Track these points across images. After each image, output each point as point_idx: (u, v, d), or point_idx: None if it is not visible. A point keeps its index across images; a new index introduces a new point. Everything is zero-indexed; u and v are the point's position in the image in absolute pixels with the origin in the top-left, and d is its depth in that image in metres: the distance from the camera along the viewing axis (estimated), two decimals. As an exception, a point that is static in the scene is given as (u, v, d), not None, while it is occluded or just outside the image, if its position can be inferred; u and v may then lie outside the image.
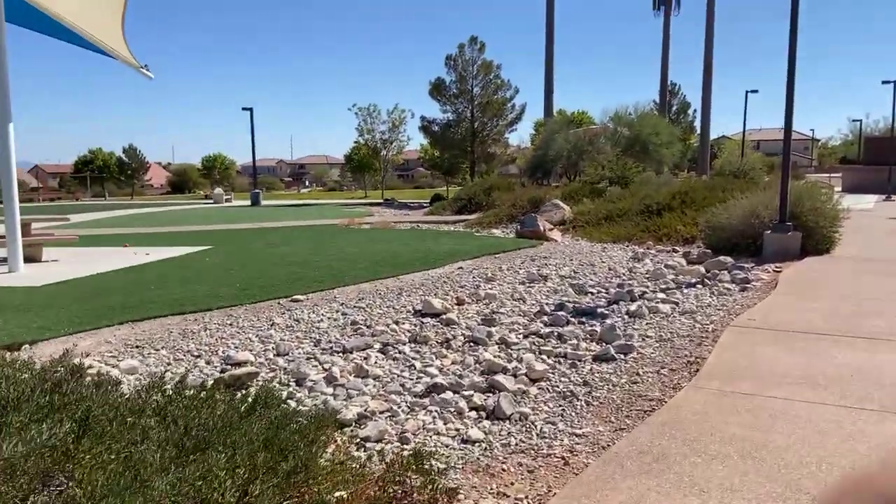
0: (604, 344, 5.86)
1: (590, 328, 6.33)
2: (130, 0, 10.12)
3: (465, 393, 4.52)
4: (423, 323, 6.35)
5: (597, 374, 4.97)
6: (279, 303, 6.98)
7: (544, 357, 5.47)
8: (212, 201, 36.10)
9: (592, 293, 8.35)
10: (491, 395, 4.53)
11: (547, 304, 7.57)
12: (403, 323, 6.31)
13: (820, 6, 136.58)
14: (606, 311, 7.20)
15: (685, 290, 8.31)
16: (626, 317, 6.91)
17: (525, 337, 6.15)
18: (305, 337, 5.72)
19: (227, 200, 35.76)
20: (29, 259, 9.90)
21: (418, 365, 5.08)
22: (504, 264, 10.20)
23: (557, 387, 4.73)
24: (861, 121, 59.39)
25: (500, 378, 4.69)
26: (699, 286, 8.57)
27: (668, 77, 42.74)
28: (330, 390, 4.48)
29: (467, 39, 34.39)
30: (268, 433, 2.89)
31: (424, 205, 29.31)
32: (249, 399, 3.54)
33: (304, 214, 25.24)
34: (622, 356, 5.42)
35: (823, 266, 9.30)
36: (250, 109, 33.78)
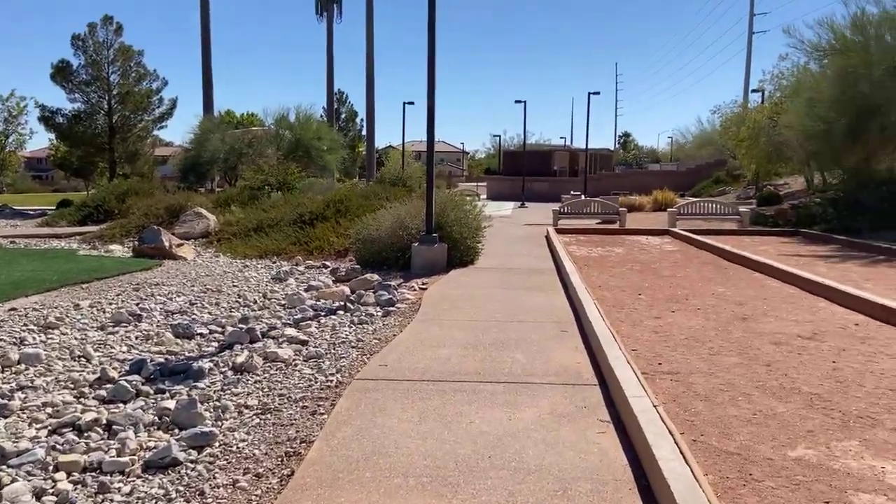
0: (176, 432, 3.94)
1: (165, 403, 4.35)
2: None
3: None
4: None
5: (131, 508, 3.02)
6: None
7: (55, 478, 3.32)
8: None
9: (203, 335, 6.37)
10: None
11: (123, 361, 5.35)
12: None
13: (468, 30, 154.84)
14: (207, 366, 5.29)
15: (323, 320, 6.87)
16: (230, 373, 5.10)
17: (51, 434, 3.91)
18: None
19: None
20: None
21: None
22: (89, 299, 7.56)
23: (44, 553, 2.66)
24: (500, 136, 67.94)
25: None
26: (340, 312, 7.23)
27: (335, 84, 42.54)
28: None
29: (100, 18, 29.15)
30: None
31: (50, 212, 23.65)
32: None
33: None
34: (193, 455, 3.57)
35: (467, 280, 8.80)
36: None
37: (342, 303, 7.64)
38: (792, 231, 15.23)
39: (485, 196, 39.79)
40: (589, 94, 33.45)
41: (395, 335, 6.01)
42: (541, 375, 4.57)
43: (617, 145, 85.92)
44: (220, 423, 4.11)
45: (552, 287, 8.16)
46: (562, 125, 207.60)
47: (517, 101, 36.14)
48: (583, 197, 24.94)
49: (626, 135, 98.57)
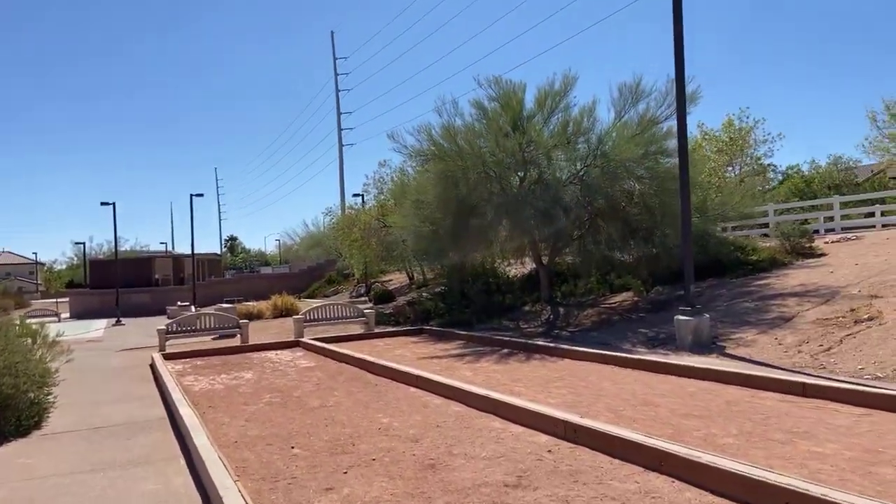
0: None
1: None
2: None
3: None
4: None
5: None
6: None
7: None
8: None
9: None
10: None
11: None
12: None
13: (48, 126, 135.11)
14: None
15: None
16: None
17: None
18: None
19: None
20: None
21: None
22: None
23: None
24: (85, 244, 58.99)
25: None
26: None
27: None
28: None
29: None
30: None
31: None
32: None
33: None
34: None
35: (25, 462, 5.67)
36: None
37: None
38: (416, 329, 15.29)
39: (67, 315, 33.05)
40: (191, 195, 31.20)
41: None
42: None
43: (224, 249, 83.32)
44: None
45: (166, 455, 5.69)
46: (161, 231, 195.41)
47: (104, 204, 31.37)
48: (193, 308, 22.06)
49: (233, 238, 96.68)
